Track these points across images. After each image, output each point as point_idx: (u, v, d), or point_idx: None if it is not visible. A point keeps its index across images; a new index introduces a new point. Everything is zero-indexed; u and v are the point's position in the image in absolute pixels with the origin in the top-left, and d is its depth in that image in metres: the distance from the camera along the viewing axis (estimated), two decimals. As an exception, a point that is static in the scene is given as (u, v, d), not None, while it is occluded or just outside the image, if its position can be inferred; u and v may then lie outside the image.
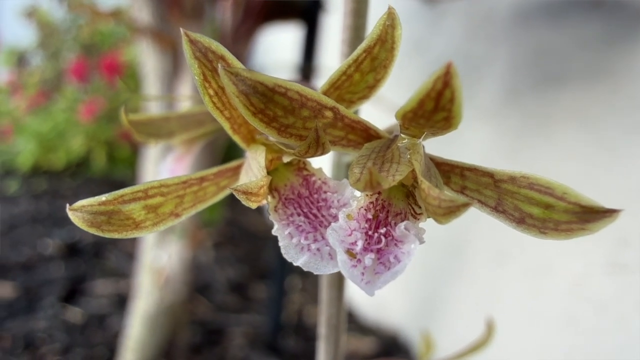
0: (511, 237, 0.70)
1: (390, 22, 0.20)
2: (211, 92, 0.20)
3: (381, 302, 1.03)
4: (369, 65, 0.20)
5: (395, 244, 0.20)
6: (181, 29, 0.18)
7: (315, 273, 0.20)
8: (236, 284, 1.15)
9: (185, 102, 0.65)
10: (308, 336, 0.93)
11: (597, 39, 0.59)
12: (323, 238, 0.21)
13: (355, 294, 1.12)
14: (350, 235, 0.21)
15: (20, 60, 2.57)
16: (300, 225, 0.21)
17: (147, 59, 0.67)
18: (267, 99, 0.17)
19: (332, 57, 1.17)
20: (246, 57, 0.68)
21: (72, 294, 1.03)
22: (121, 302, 0.99)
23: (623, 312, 0.55)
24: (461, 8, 0.84)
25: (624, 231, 0.55)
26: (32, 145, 1.89)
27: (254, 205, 0.21)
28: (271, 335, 0.84)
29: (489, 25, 0.78)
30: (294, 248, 0.21)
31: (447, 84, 0.17)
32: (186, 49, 0.18)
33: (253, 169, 0.21)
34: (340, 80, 0.20)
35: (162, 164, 0.24)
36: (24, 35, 2.55)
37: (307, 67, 0.71)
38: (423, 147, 0.22)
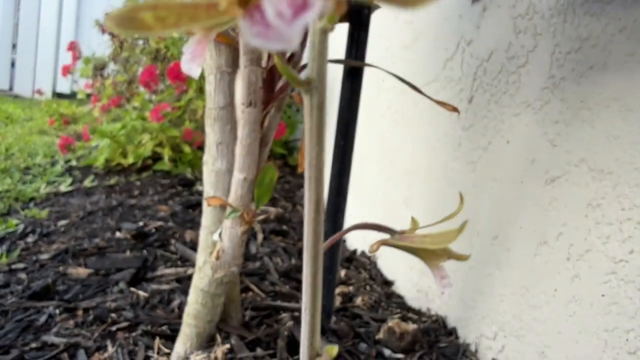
0: (551, 225, 0.71)
1: None
2: None
3: (427, 291, 1.05)
4: None
5: None
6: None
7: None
8: (286, 272, 1.20)
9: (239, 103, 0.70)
10: (355, 322, 0.96)
11: (638, 27, 0.60)
12: None
13: (400, 283, 1.15)
14: None
15: (96, 69, 2.75)
16: None
17: (207, 55, 0.73)
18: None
19: (387, 65, 1.20)
20: (300, 53, 0.73)
21: (139, 278, 1.11)
22: (183, 286, 1.06)
23: (660, 294, 0.55)
24: (504, 1, 0.86)
25: (661, 214, 0.56)
26: (105, 145, 2.02)
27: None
28: (324, 320, 0.88)
29: (532, 17, 0.79)
30: None
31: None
32: None
33: None
34: None
35: (186, 47, 0.28)
36: (100, 46, 2.72)
37: (355, 63, 0.75)
38: None
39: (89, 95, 2.80)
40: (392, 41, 1.33)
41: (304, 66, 0.69)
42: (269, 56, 0.72)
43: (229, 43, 0.73)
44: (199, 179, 1.96)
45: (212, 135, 0.76)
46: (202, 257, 0.77)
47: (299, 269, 1.23)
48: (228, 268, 0.75)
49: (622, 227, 0.59)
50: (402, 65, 1.25)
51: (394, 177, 1.26)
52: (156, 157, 2.09)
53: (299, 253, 1.33)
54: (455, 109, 0.73)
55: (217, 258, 0.74)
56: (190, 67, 0.26)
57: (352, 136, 0.79)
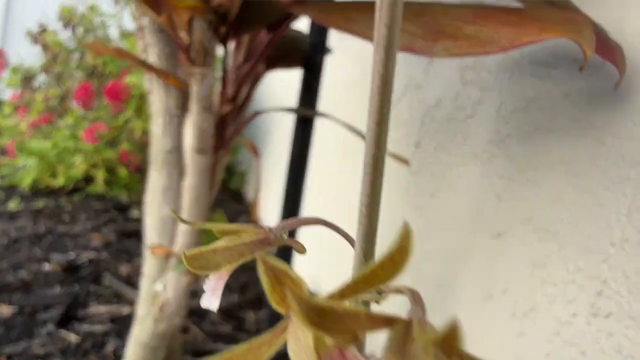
0: (497, 279, 0.72)
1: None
2: (276, 297, 0.23)
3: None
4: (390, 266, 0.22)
5: None
6: (257, 256, 0.23)
7: None
8: (230, 312, 1.16)
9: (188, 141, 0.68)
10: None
11: (582, 94, 0.63)
12: None
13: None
14: None
15: (24, 79, 2.61)
16: None
17: (154, 96, 0.70)
18: (322, 316, 0.20)
19: (328, 103, 1.21)
20: (250, 99, 0.71)
21: (69, 317, 1.04)
22: (118, 326, 1.01)
23: (603, 357, 0.57)
24: (455, 54, 0.88)
25: (605, 280, 0.58)
26: (33, 163, 1.91)
27: None
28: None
29: (480, 71, 0.81)
30: None
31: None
32: (259, 265, 0.22)
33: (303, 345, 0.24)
34: (368, 276, 0.23)
35: (206, 282, 0.28)
36: (30, 55, 2.59)
37: (306, 111, 0.74)
38: None
39: (15, 108, 2.65)
40: (341, 76, 1.34)
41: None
42: (222, 102, 0.70)
43: (178, 86, 0.70)
44: (135, 202, 1.89)
45: (159, 180, 0.73)
46: (143, 309, 0.73)
47: (241, 306, 1.20)
48: (172, 320, 0.72)
49: (567, 288, 0.61)
50: (350, 101, 1.26)
51: (341, 214, 1.26)
52: (89, 179, 2.00)
53: (240, 289, 1.30)
54: (405, 162, 0.73)
55: (161, 310, 0.71)
56: (210, 301, 0.27)
57: (302, 183, 0.78)
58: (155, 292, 0.72)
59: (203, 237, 0.73)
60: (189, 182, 0.69)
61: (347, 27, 0.49)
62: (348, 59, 1.30)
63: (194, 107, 0.66)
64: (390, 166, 1.03)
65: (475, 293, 0.76)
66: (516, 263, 0.69)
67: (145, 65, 0.68)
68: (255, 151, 0.69)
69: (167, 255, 0.72)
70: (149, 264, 0.74)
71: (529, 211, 0.69)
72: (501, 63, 0.78)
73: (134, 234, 1.57)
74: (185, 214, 0.70)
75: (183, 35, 0.58)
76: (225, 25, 0.60)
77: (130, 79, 1.94)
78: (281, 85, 1.51)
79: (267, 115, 0.77)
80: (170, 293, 0.71)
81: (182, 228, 0.70)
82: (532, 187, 0.69)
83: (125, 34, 2.27)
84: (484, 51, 0.44)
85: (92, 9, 2.31)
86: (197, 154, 0.68)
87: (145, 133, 2.02)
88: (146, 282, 0.74)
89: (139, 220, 1.69)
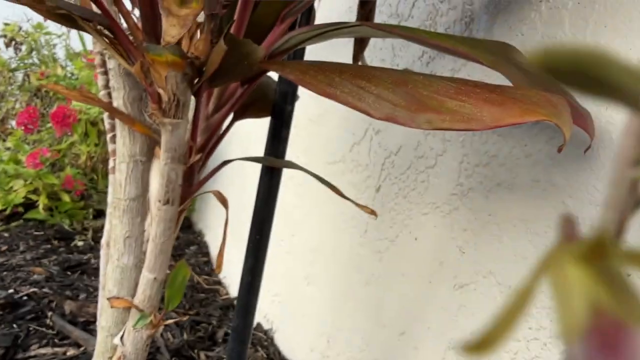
0: (459, 331, 0.73)
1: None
2: None
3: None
4: None
5: None
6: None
7: None
8: (178, 350, 1.13)
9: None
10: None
11: (544, 155, 0.66)
12: None
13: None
14: None
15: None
16: None
17: (118, 140, 0.68)
18: None
19: (296, 152, 1.21)
20: (216, 147, 0.70)
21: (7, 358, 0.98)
22: (62, 374, 0.95)
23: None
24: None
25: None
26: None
27: None
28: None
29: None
30: None
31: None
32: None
33: None
34: None
35: None
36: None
37: (273, 160, 0.74)
38: None
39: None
40: (299, 112, 1.35)
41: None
42: (190, 152, 0.68)
43: (145, 133, 0.68)
44: (78, 231, 1.81)
45: (119, 228, 0.70)
46: (99, 357, 0.70)
47: (191, 346, 1.17)
48: (129, 376, 0.68)
49: (530, 345, 0.63)
50: (309, 138, 1.26)
51: (297, 251, 1.25)
52: (28, 204, 1.90)
53: (191, 327, 1.26)
54: (373, 212, 0.74)
55: (118, 365, 0.68)
56: None
57: (267, 232, 0.77)
58: (113, 346, 0.69)
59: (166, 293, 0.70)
60: (154, 232, 0.67)
61: (329, 92, 0.49)
62: (307, 98, 1.31)
63: (162, 156, 0.64)
64: (351, 208, 1.04)
65: (437, 343, 0.77)
66: (478, 316, 0.71)
67: (112, 110, 0.66)
68: (225, 202, 0.68)
69: (127, 308, 0.69)
70: (105, 315, 0.71)
71: (491, 265, 0.71)
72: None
73: (78, 266, 1.50)
74: (147, 263, 0.68)
75: (156, 86, 0.57)
76: (200, 78, 0.59)
77: (77, 103, 1.87)
78: (247, 132, 1.50)
79: (232, 163, 0.76)
80: (129, 347, 0.68)
81: (144, 279, 0.68)
82: (495, 242, 0.71)
83: (72, 55, 2.19)
84: (468, 127, 0.45)
85: (38, 26, 2.23)
86: (163, 204, 0.66)
87: (91, 158, 1.96)
88: (102, 335, 0.71)
89: (83, 252, 1.62)
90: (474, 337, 0.18)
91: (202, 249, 1.89)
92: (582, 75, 0.17)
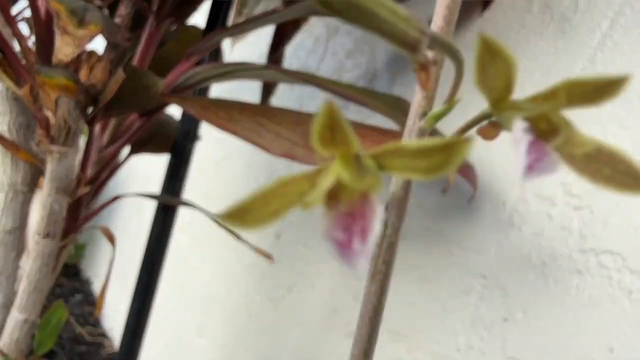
0: None
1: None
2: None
3: None
4: None
5: None
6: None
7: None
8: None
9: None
10: None
11: (435, 206, 0.69)
12: None
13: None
14: None
15: None
16: None
17: (1, 174, 0.63)
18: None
19: (194, 187, 1.19)
20: (108, 181, 0.67)
21: None
22: None
23: None
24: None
25: (449, 383, 0.61)
26: None
27: None
28: None
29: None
30: None
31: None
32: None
33: None
34: None
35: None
36: None
37: (169, 198, 0.71)
38: None
39: None
40: (202, 155, 1.33)
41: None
42: (79, 183, 0.65)
43: (30, 161, 0.64)
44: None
45: (-11, 263, 0.64)
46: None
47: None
48: None
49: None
50: (211, 182, 1.24)
51: (189, 299, 1.20)
52: None
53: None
54: (270, 257, 0.73)
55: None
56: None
57: (157, 275, 0.74)
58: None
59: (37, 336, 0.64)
60: (29, 268, 0.61)
61: (229, 128, 0.49)
62: (210, 141, 1.30)
63: (46, 186, 0.60)
64: (248, 255, 1.02)
65: None
66: (369, 364, 0.71)
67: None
68: (111, 238, 0.64)
69: (-10, 352, 0.62)
70: (-36, 361, 0.63)
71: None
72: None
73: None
74: (18, 302, 0.62)
75: (45, 110, 0.54)
76: (94, 106, 0.57)
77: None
78: (145, 169, 1.45)
79: (127, 200, 0.73)
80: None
81: (12, 320, 0.61)
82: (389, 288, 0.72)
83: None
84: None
85: None
86: (42, 237, 0.61)
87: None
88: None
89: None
90: (231, 206, 0.20)
91: (89, 298, 1.76)
92: (354, 8, 0.21)
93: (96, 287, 1.83)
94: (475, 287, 0.62)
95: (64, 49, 0.42)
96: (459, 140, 0.20)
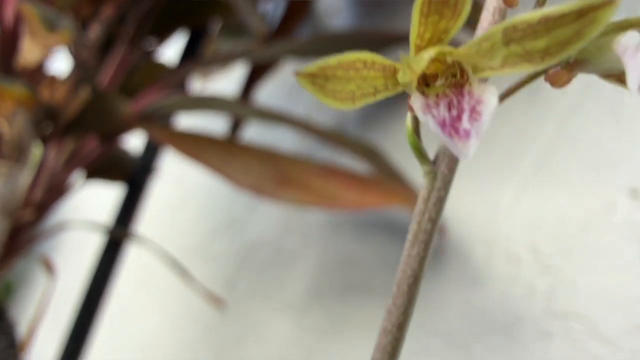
0: None
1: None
2: None
3: None
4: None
5: None
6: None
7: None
8: None
9: None
10: None
11: (398, 263, 0.67)
12: None
13: None
14: None
15: None
16: None
17: None
18: None
19: (148, 227, 1.14)
20: (55, 207, 0.62)
21: None
22: None
23: None
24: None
25: None
26: None
27: None
28: None
29: (305, 220, 0.83)
30: None
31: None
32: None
33: None
34: None
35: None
36: None
37: (120, 232, 0.67)
38: None
39: None
40: (158, 195, 1.28)
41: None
42: (24, 206, 0.60)
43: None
44: None
45: None
46: None
47: None
48: None
49: None
50: (166, 225, 1.19)
51: (128, 348, 1.12)
52: None
53: None
54: (221, 303, 0.69)
55: None
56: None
57: (96, 315, 0.68)
58: None
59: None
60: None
61: (196, 154, 0.47)
62: (168, 181, 1.26)
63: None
64: (198, 303, 0.97)
65: None
66: None
67: None
68: (50, 268, 0.59)
69: None
70: None
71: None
72: (325, 216, 0.81)
73: None
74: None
75: (1, 124, 0.50)
76: (52, 125, 0.53)
77: None
78: (93, 200, 1.39)
79: (69, 232, 0.69)
80: None
81: None
82: (344, 344, 0.69)
83: None
84: (330, 205, 0.45)
85: None
86: (-25, 262, 0.56)
87: None
88: None
89: None
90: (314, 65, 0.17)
91: (13, 342, 1.63)
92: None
93: (23, 330, 1.70)
94: (437, 346, 0.59)
95: (30, 52, 0.39)
96: (598, 3, 0.15)
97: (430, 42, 0.18)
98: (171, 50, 0.79)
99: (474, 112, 0.17)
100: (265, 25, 0.65)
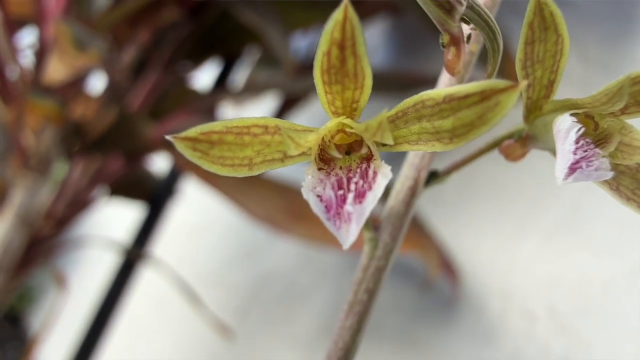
0: None
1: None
2: None
3: None
4: None
5: None
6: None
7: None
8: None
9: None
10: None
11: (410, 308, 0.65)
12: None
13: None
14: None
15: None
16: None
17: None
18: None
19: (165, 249, 1.15)
20: (75, 221, 0.63)
21: None
22: None
23: None
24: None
25: None
26: None
27: None
28: None
29: (320, 259, 0.82)
30: None
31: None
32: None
33: None
34: None
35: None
36: None
37: (137, 252, 0.67)
38: None
39: None
40: (179, 218, 1.29)
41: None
42: (45, 218, 0.61)
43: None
44: None
45: None
46: None
47: None
48: None
49: None
50: (184, 248, 1.20)
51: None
52: None
53: None
54: (228, 332, 0.68)
55: None
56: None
57: (104, 331, 0.68)
58: None
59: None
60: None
61: (214, 182, 0.47)
62: (190, 206, 1.27)
63: (8, 215, 0.56)
64: (208, 332, 0.96)
65: None
66: None
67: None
68: (61, 281, 0.60)
69: None
70: None
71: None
72: (342, 255, 0.80)
73: None
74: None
75: (27, 136, 0.52)
76: (79, 141, 0.54)
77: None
78: (112, 220, 1.41)
79: (84, 250, 0.70)
80: None
81: None
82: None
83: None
84: (337, 243, 0.44)
85: None
86: (-9, 269, 0.56)
87: None
88: None
89: None
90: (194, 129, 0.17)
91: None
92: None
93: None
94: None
95: (55, 71, 0.40)
96: (501, 86, 0.14)
97: (345, 110, 0.17)
98: (205, 76, 0.80)
99: (359, 195, 0.16)
100: (295, 58, 0.66)
